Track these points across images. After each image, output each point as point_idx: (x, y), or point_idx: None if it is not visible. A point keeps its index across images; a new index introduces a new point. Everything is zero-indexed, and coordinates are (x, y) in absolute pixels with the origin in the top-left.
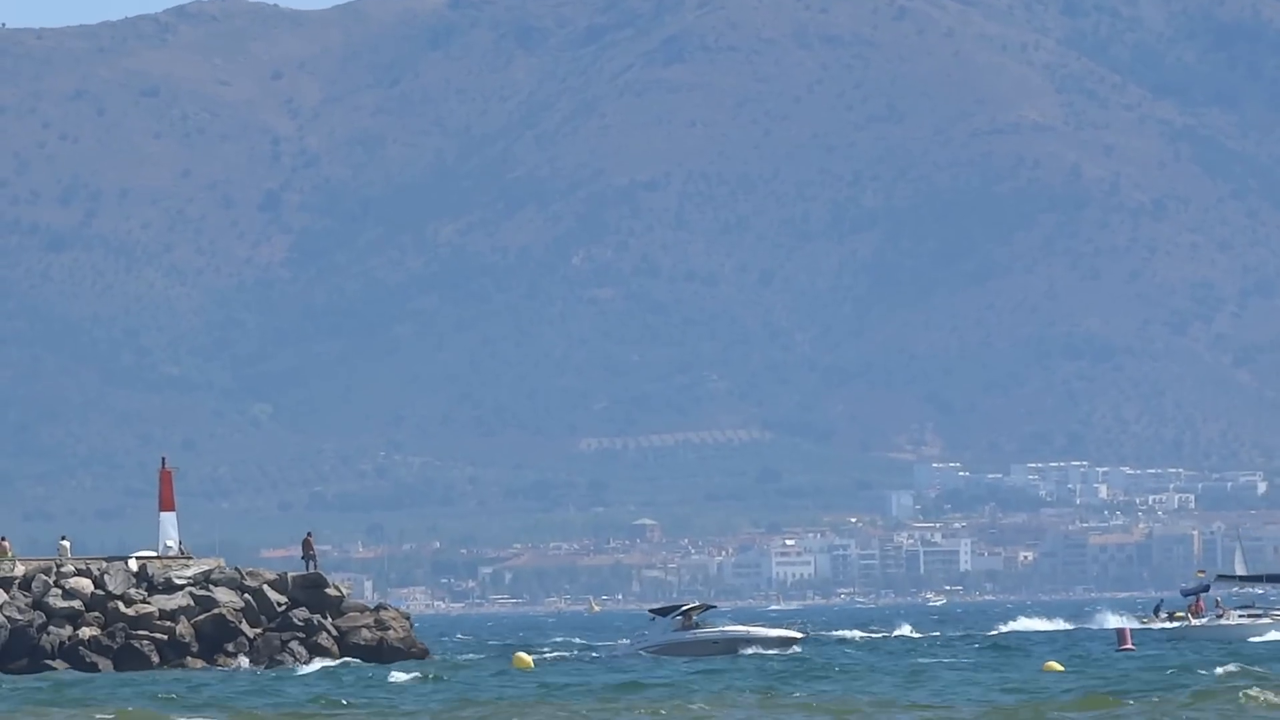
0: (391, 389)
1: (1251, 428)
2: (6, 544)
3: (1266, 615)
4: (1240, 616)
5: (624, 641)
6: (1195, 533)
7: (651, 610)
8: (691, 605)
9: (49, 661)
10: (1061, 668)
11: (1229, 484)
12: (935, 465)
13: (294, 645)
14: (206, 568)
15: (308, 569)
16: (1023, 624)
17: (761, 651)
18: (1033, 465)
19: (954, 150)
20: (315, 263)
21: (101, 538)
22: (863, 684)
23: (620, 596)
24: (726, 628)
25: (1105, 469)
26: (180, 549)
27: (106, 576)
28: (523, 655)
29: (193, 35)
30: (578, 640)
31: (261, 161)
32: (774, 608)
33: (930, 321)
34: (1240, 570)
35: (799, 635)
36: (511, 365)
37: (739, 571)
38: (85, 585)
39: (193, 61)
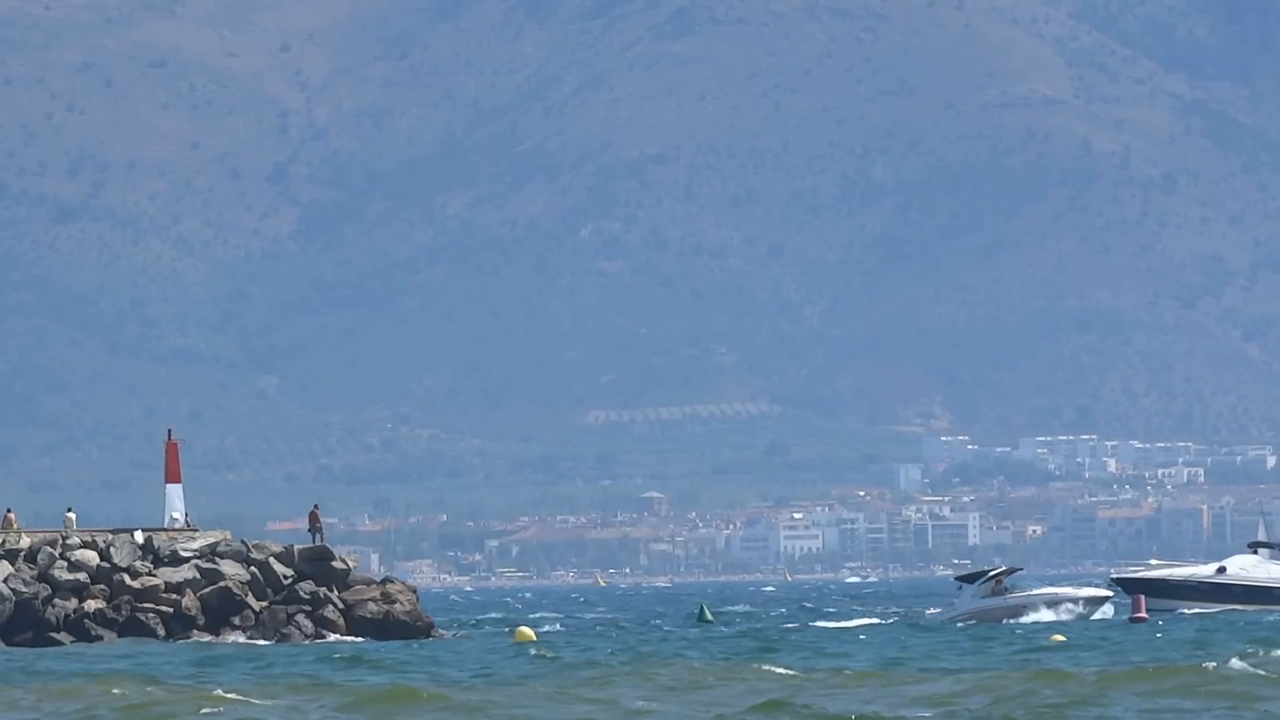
0: (399, 362)
1: (1261, 401)
2: (12, 516)
3: None
4: None
5: (932, 611)
6: (1204, 507)
7: (958, 577)
8: (999, 570)
9: (54, 634)
10: (1063, 637)
11: (1238, 458)
12: (944, 439)
13: (300, 619)
14: (212, 540)
15: (314, 542)
16: None
17: (1074, 611)
18: (1041, 439)
19: (964, 123)
20: (323, 235)
21: (107, 510)
22: None
23: (628, 570)
24: (1035, 590)
25: (1114, 443)
26: (186, 521)
27: (112, 549)
28: (525, 629)
29: (201, 7)
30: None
31: (269, 134)
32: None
33: (939, 295)
34: (1264, 552)
35: (1109, 594)
36: (519, 338)
37: (746, 545)
38: (91, 557)
39: (201, 33)
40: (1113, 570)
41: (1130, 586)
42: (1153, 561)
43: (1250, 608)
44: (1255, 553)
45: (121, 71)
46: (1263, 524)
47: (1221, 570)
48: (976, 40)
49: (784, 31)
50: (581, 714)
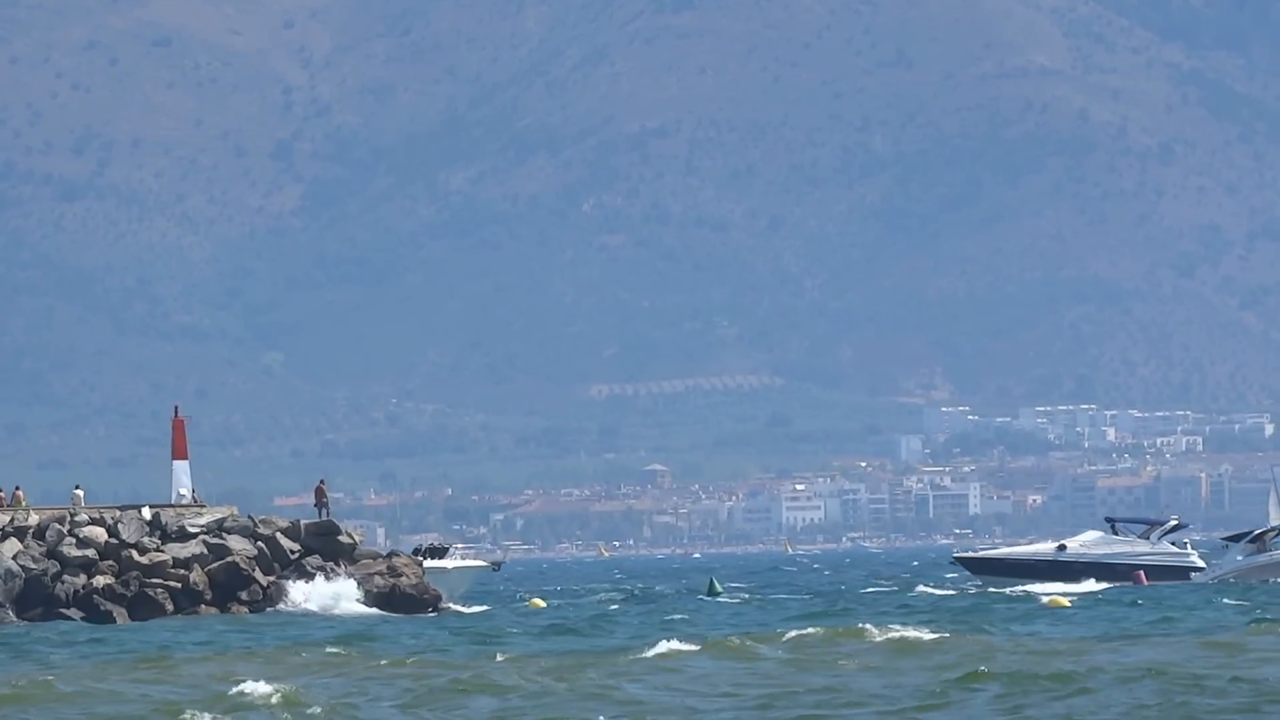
0: (403, 337)
1: (1259, 370)
2: (20, 493)
3: None
4: None
5: (1196, 573)
6: (1203, 475)
7: (1223, 538)
8: (1264, 529)
9: (63, 610)
10: (1067, 603)
11: (1236, 426)
12: (944, 409)
13: None
14: (219, 516)
15: (320, 516)
16: None
17: None
18: (1041, 409)
19: (962, 95)
20: (327, 211)
21: (115, 486)
22: None
23: (631, 542)
24: None
25: (1113, 412)
26: (193, 497)
27: (120, 525)
28: (537, 600)
29: None
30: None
31: (273, 111)
32: None
33: (939, 266)
34: (1275, 514)
35: None
36: (522, 312)
37: (749, 517)
38: (99, 534)
39: (204, 11)
40: (955, 549)
41: (973, 566)
42: (994, 541)
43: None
44: (1114, 529)
45: (126, 50)
46: (1274, 490)
47: (1062, 548)
48: (974, 12)
49: (783, 5)
50: None
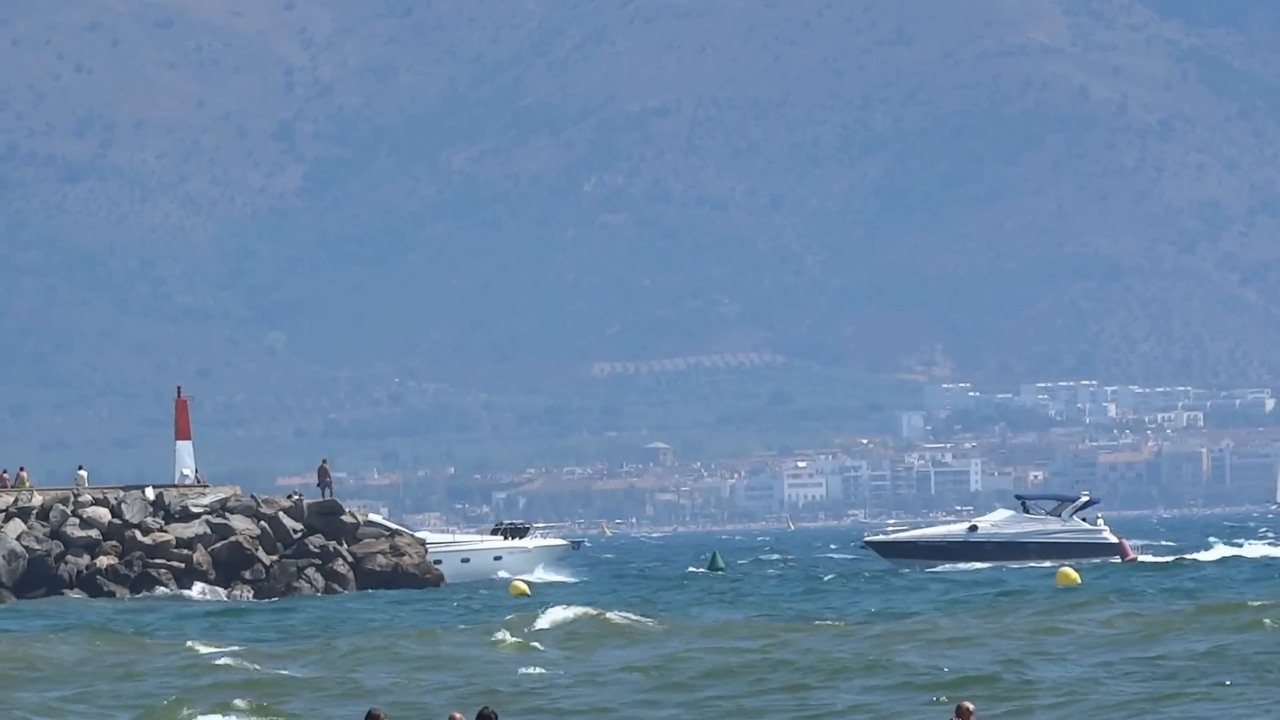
0: (405, 316)
1: (1259, 345)
2: (24, 474)
3: None
4: None
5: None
6: (1204, 450)
7: None
8: None
9: (67, 590)
10: (1078, 576)
11: (1237, 401)
12: (945, 386)
13: (310, 572)
14: (222, 496)
15: (323, 496)
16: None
17: None
18: (1042, 385)
19: (962, 73)
20: (329, 191)
21: (118, 467)
22: None
23: (634, 520)
24: None
25: (1114, 388)
26: (196, 477)
27: (123, 505)
28: (519, 584)
29: None
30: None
31: (275, 91)
32: None
33: (939, 243)
34: None
35: None
36: (524, 291)
37: (751, 494)
38: (102, 514)
39: None
40: (866, 534)
41: (885, 550)
42: (890, 524)
43: (1009, 563)
44: (1025, 507)
45: (128, 31)
46: None
47: (973, 529)
48: None
49: None
50: None
